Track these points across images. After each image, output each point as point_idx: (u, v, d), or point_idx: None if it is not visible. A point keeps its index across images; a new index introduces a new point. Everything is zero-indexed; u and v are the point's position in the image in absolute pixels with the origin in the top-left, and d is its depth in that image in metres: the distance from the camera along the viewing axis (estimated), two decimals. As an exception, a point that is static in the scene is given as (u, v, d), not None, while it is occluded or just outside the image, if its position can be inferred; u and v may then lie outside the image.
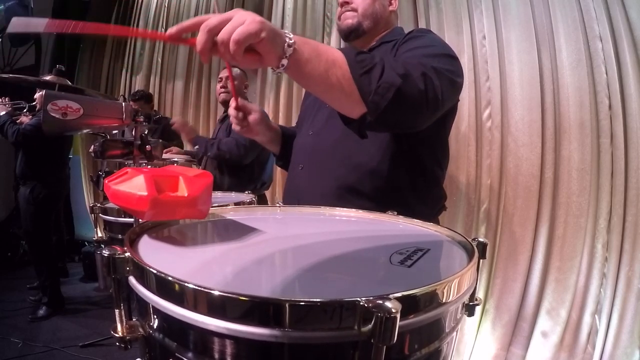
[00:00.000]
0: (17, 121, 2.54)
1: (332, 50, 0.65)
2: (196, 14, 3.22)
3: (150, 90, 3.48)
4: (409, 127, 0.78)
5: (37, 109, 2.61)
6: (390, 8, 1.08)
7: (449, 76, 0.78)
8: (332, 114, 0.94)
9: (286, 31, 0.59)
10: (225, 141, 2.08)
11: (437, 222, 0.92)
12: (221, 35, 0.52)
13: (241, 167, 2.07)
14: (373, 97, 0.66)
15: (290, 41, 0.57)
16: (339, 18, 1.07)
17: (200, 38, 0.53)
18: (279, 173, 2.47)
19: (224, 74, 2.21)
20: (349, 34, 1.06)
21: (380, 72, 0.66)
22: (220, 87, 2.20)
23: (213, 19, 0.53)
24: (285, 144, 1.20)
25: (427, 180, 0.97)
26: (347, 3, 1.04)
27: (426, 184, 0.97)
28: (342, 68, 0.64)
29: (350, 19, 1.04)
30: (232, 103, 1.01)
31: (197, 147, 2.10)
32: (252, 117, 1.04)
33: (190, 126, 2.34)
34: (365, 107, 0.67)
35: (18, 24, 0.59)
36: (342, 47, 1.08)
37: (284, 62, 0.58)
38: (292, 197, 1.04)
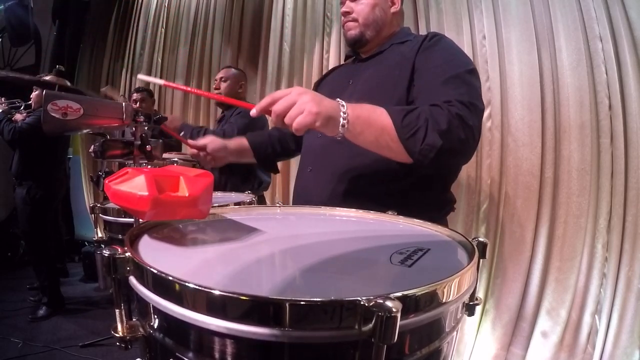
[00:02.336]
0: (12, 119, 2.53)
1: (381, 117, 0.75)
2: (196, 14, 3.23)
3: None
4: (453, 166, 0.90)
5: (33, 107, 2.61)
6: (393, 10, 1.07)
7: (479, 106, 0.84)
8: None
9: (343, 110, 0.70)
10: (213, 130, 2.06)
11: (445, 224, 0.95)
12: (286, 120, 0.67)
13: (240, 165, 2.06)
14: (418, 157, 0.76)
15: (344, 121, 0.70)
16: (343, 27, 1.08)
17: (274, 119, 0.68)
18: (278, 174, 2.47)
19: (218, 75, 2.22)
20: (354, 44, 1.07)
21: (423, 134, 0.75)
22: (214, 89, 2.21)
23: (279, 106, 0.67)
24: (258, 153, 1.26)
25: (438, 184, 0.97)
26: (348, 13, 1.04)
27: (436, 187, 0.97)
28: (390, 134, 0.75)
29: (352, 29, 1.04)
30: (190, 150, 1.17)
31: (182, 133, 2.04)
32: (209, 148, 1.16)
33: (173, 115, 2.30)
34: (411, 160, 0.78)
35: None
36: (345, 50, 1.14)
37: (339, 136, 0.72)
38: (302, 199, 1.04)
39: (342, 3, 1.07)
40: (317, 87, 1.23)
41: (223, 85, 2.18)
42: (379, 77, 0.98)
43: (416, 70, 0.91)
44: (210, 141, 1.18)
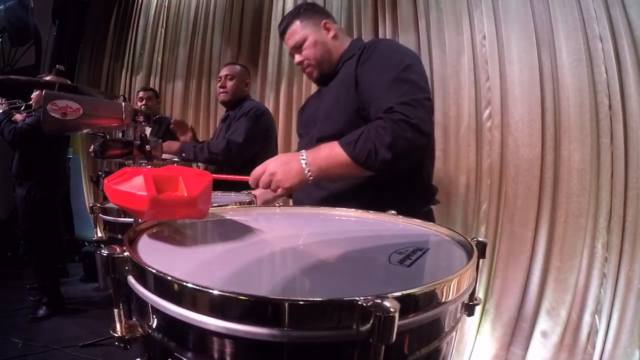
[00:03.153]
0: (12, 119, 2.53)
1: (338, 155, 0.89)
2: (196, 14, 3.23)
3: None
4: (416, 160, 0.99)
5: (33, 108, 2.61)
6: (330, 35, 1.17)
7: (422, 96, 0.93)
8: (313, 137, 1.12)
9: (307, 169, 0.88)
10: (215, 143, 2.03)
11: (430, 214, 1.10)
12: (272, 191, 0.90)
13: (242, 166, 2.06)
14: (377, 170, 0.91)
15: (310, 178, 0.88)
16: (305, 73, 1.21)
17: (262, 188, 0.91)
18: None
19: (222, 72, 2.18)
20: (320, 83, 1.21)
21: (374, 153, 0.87)
22: (219, 87, 2.16)
23: (262, 184, 0.89)
24: None
25: (419, 176, 1.07)
26: (301, 62, 1.17)
27: (418, 180, 1.07)
28: (350, 165, 0.89)
29: (312, 73, 1.18)
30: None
31: (184, 154, 2.03)
32: (260, 200, 1.26)
33: (186, 126, 2.25)
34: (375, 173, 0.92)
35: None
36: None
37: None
38: (296, 203, 1.12)
39: (292, 56, 1.20)
40: (302, 112, 1.35)
41: (229, 84, 2.13)
42: (334, 98, 1.10)
43: (360, 84, 1.02)
44: (261, 194, 1.32)
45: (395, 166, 0.89)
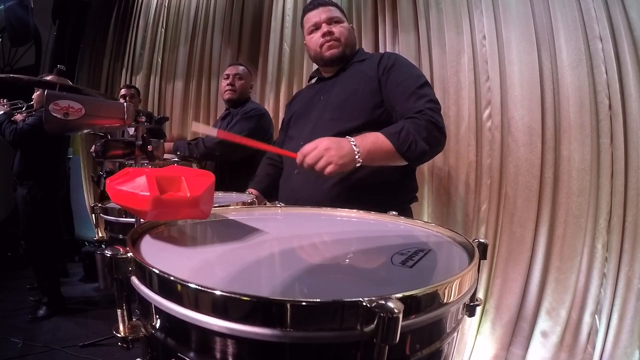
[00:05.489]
0: (13, 119, 2.53)
1: (384, 143, 0.96)
2: (196, 14, 3.23)
3: (150, 90, 3.48)
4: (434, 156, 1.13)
5: (34, 108, 2.61)
6: (354, 34, 1.28)
7: (439, 106, 1.07)
8: (316, 125, 1.17)
9: (356, 150, 0.90)
10: (211, 138, 2.03)
11: (409, 212, 1.17)
12: (317, 168, 0.87)
13: (242, 164, 2.06)
14: (414, 160, 1.02)
15: (359, 161, 0.91)
16: (322, 47, 1.21)
17: (306, 167, 0.88)
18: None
19: (230, 71, 2.19)
20: (333, 62, 1.22)
21: (415, 145, 0.97)
22: (227, 85, 2.16)
23: (311, 160, 0.87)
24: (268, 195, 1.41)
25: (405, 174, 1.14)
26: (331, 33, 1.19)
27: (404, 177, 1.14)
28: (391, 154, 0.97)
29: (335, 48, 1.20)
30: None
31: (178, 152, 2.04)
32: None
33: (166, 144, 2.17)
34: (408, 163, 1.02)
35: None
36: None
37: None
38: (289, 198, 1.15)
39: (317, 27, 1.22)
40: (289, 106, 1.39)
41: (239, 83, 2.17)
42: (346, 92, 1.16)
43: (383, 86, 1.12)
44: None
45: (427, 158, 1.04)
